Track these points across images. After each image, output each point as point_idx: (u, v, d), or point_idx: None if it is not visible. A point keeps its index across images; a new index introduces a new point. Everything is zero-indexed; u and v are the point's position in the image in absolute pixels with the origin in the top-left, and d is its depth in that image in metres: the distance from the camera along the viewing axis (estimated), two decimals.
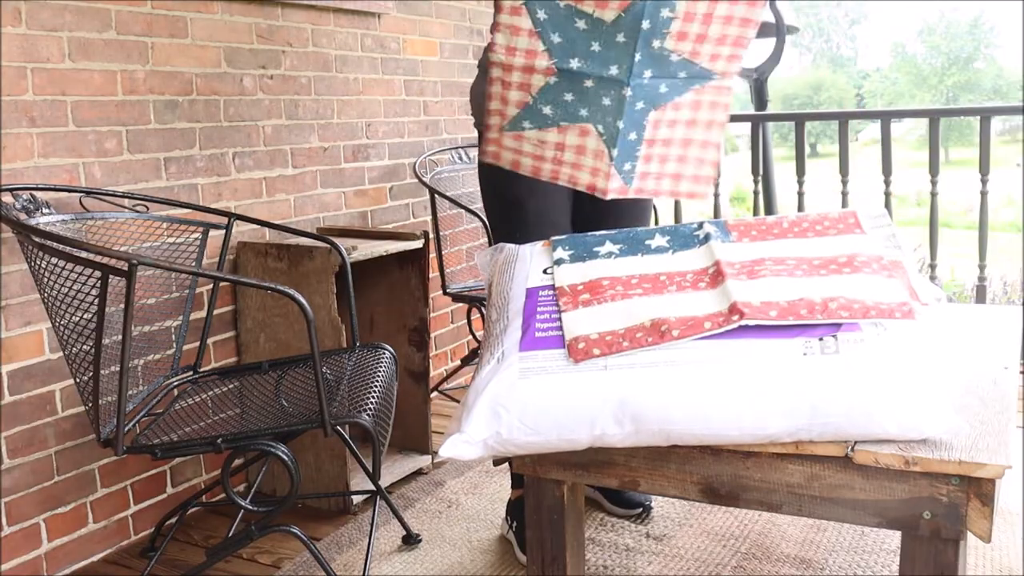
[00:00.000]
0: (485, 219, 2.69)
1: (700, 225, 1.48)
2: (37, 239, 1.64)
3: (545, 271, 1.45)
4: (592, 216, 2.00)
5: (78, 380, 1.72)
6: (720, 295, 1.26)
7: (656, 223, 3.74)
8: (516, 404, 1.18)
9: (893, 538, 2.01)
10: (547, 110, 1.61)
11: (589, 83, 1.58)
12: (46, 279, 1.68)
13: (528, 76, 1.59)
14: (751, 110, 4.36)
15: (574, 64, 1.57)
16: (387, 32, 3.01)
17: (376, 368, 2.00)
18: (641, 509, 2.21)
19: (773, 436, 1.14)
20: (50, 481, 2.04)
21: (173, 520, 2.16)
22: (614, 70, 1.56)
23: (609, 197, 1.65)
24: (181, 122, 2.31)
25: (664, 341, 1.19)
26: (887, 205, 3.27)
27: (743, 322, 1.17)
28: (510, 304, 1.36)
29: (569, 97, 1.59)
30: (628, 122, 1.61)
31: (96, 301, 1.60)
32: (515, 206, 1.94)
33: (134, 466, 2.23)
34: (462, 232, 3.34)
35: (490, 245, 1.99)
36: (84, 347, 1.69)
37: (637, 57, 1.54)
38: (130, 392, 1.93)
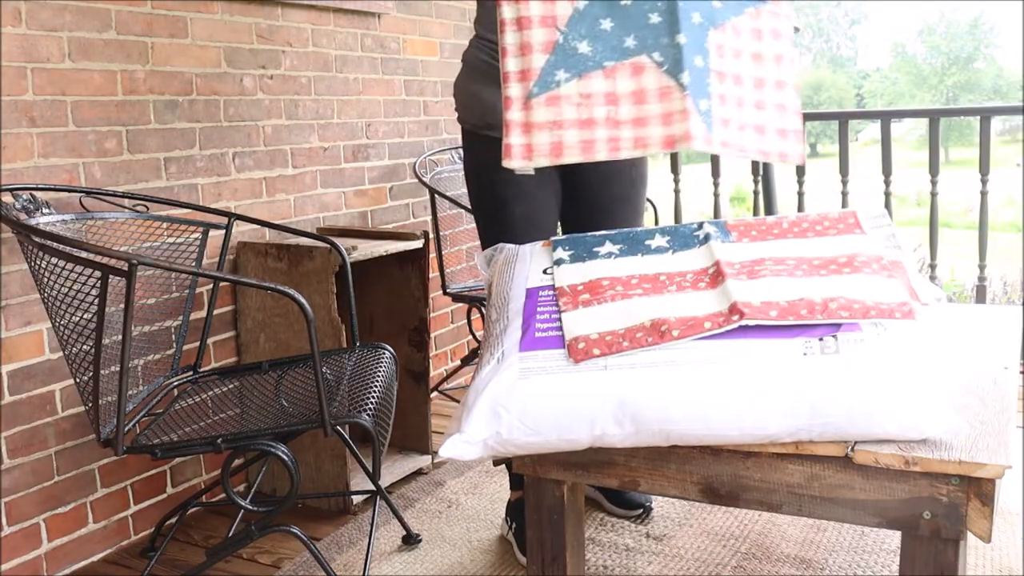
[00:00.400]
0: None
1: (700, 225, 1.48)
2: (37, 239, 1.64)
3: (545, 271, 1.44)
4: (580, 217, 1.99)
5: (78, 380, 1.72)
6: (720, 295, 1.26)
7: (656, 223, 3.74)
8: (516, 404, 1.18)
9: (893, 538, 2.01)
10: (583, 47, 1.28)
11: None
12: (46, 279, 1.69)
13: (551, 3, 1.29)
14: None
15: None
16: (387, 32, 3.01)
17: (376, 368, 2.00)
18: (641, 510, 2.21)
19: (773, 436, 1.14)
20: (50, 481, 2.04)
21: (173, 520, 2.16)
22: None
23: (697, 146, 1.25)
24: (181, 122, 2.31)
25: (664, 341, 1.19)
26: (887, 205, 3.27)
27: (743, 322, 1.17)
28: (510, 304, 1.36)
29: (607, 24, 1.28)
30: (690, 39, 1.27)
31: (96, 301, 1.60)
32: (502, 209, 1.93)
33: (134, 466, 2.23)
34: (462, 232, 3.34)
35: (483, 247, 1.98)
36: (84, 347, 1.69)
37: None
38: (130, 392, 1.93)
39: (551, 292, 1.37)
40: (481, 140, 1.95)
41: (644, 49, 1.26)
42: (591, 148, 1.23)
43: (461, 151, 3.24)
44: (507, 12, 1.30)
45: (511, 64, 1.29)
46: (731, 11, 1.34)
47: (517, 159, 1.23)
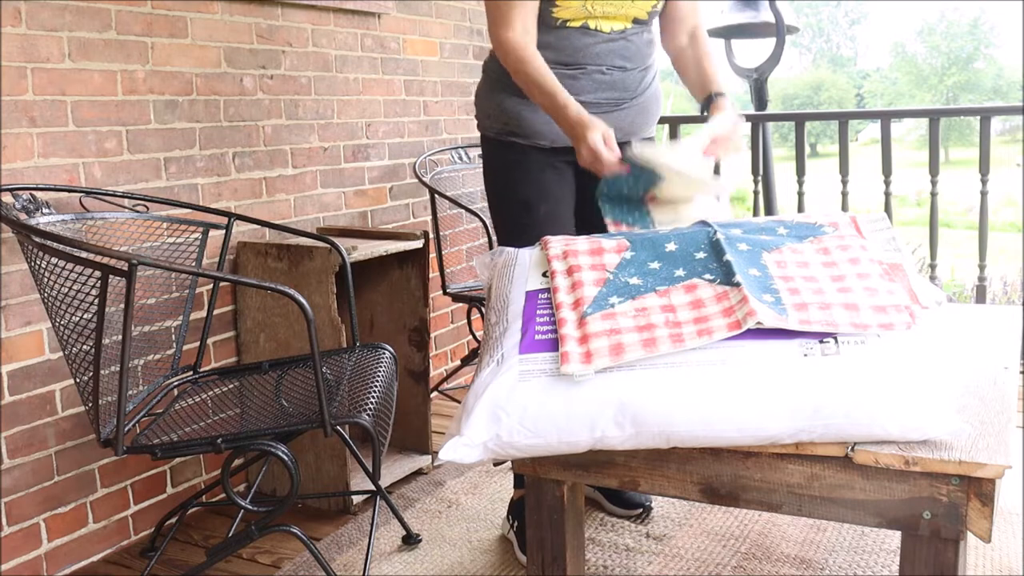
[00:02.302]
0: (486, 219, 2.68)
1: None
2: (37, 239, 1.64)
3: (544, 274, 1.44)
4: (596, 216, 1.99)
5: (78, 380, 1.72)
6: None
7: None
8: (516, 407, 1.18)
9: (893, 538, 2.01)
10: (634, 280, 1.30)
11: (672, 246, 1.36)
12: (46, 279, 1.69)
13: (599, 257, 1.36)
14: (751, 110, 4.37)
15: (648, 233, 1.41)
16: (387, 32, 3.01)
17: (376, 368, 2.00)
18: (641, 510, 2.21)
19: (774, 437, 1.14)
20: (50, 481, 2.04)
21: (173, 520, 2.16)
22: (696, 227, 1.40)
23: (767, 322, 1.16)
24: (181, 122, 2.31)
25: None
26: (887, 205, 3.27)
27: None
28: (509, 307, 1.36)
29: (655, 265, 1.33)
30: (739, 259, 1.30)
31: (96, 301, 1.60)
32: (527, 210, 1.95)
33: (134, 466, 2.23)
34: (462, 232, 3.34)
35: (491, 246, 1.98)
36: (84, 347, 1.69)
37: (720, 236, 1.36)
38: (130, 392, 1.93)
39: (550, 295, 1.37)
40: (504, 145, 1.98)
41: (694, 274, 1.29)
42: (653, 343, 1.17)
43: (462, 151, 3.27)
44: (557, 265, 1.37)
45: (563, 297, 1.30)
46: (782, 242, 1.37)
47: (575, 364, 1.16)
